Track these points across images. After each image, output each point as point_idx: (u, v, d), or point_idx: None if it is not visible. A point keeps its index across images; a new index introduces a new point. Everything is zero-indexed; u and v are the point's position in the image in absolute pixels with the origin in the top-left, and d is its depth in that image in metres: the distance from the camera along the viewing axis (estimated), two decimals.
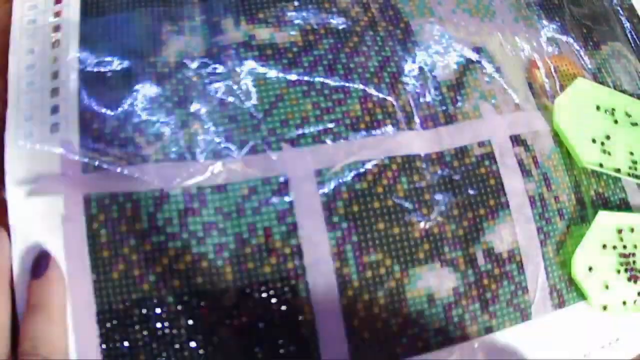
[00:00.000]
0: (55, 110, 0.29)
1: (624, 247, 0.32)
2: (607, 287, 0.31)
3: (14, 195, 0.27)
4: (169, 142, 0.28)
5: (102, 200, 0.27)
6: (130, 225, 0.27)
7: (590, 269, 0.31)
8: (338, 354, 0.27)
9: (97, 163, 0.27)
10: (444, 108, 0.32)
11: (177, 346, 0.26)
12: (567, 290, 0.31)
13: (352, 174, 0.29)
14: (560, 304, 0.31)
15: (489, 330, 0.29)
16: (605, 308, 0.31)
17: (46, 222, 0.27)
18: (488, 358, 0.29)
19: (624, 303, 0.32)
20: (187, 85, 0.30)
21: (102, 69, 0.30)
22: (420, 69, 0.32)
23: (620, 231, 0.33)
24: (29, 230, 0.26)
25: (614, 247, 0.32)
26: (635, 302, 0.32)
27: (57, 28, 0.31)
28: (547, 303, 0.30)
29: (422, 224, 0.29)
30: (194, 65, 0.30)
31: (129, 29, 0.31)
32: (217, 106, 0.30)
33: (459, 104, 0.32)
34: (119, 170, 0.27)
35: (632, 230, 0.33)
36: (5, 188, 0.27)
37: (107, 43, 0.30)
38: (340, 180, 0.29)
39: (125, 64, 0.30)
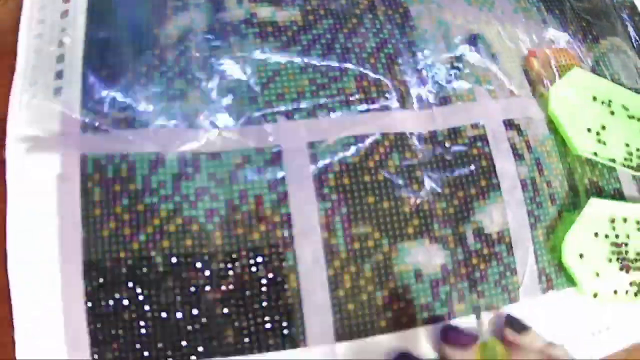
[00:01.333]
0: (59, 75, 0.30)
1: (617, 236, 0.32)
2: (597, 274, 0.31)
3: (14, 152, 0.27)
4: (168, 109, 0.29)
5: (98, 160, 0.28)
6: (125, 186, 0.28)
7: (581, 255, 0.31)
8: (322, 323, 0.27)
9: (96, 124, 0.28)
10: (438, 90, 0.32)
11: (162, 306, 0.27)
12: (557, 275, 0.31)
13: (345, 147, 0.30)
14: (549, 288, 0.31)
15: (476, 309, 0.29)
16: (595, 295, 0.31)
17: (42, 178, 0.27)
18: None
19: (615, 292, 0.31)
20: (189, 57, 0.31)
21: (108, 38, 0.31)
22: (417, 52, 0.33)
23: (613, 220, 0.32)
24: (25, 186, 0.27)
25: (606, 236, 0.32)
26: (627, 292, 0.32)
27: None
28: (536, 286, 0.30)
29: (412, 200, 0.30)
30: (197, 39, 0.31)
31: (136, 2, 0.32)
32: (216, 78, 0.30)
33: (454, 86, 0.33)
34: (117, 132, 0.28)
35: (625, 220, 0.33)
36: (6, 147, 0.28)
37: (113, 14, 0.31)
38: (333, 153, 0.29)
39: (130, 34, 0.31)
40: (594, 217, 0.32)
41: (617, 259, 0.32)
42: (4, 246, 0.26)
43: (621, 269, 0.32)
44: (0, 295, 0.26)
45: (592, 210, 0.32)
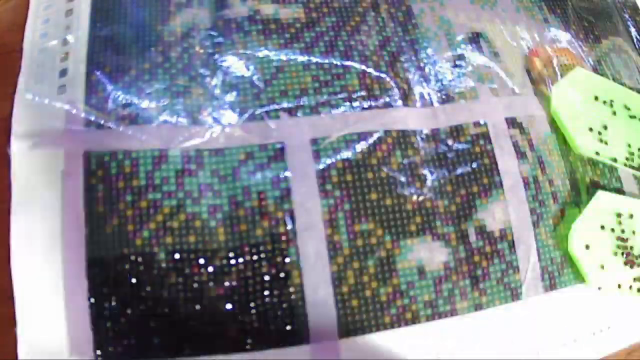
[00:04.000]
0: (63, 73, 0.30)
1: (622, 231, 0.32)
2: (602, 267, 0.31)
3: (17, 148, 0.28)
4: (171, 105, 0.29)
5: (101, 156, 0.28)
6: (128, 182, 0.28)
7: (587, 247, 0.31)
8: (326, 319, 0.27)
9: (100, 121, 0.28)
10: (441, 88, 0.32)
11: (165, 303, 0.27)
12: (559, 273, 0.31)
13: (347, 144, 0.30)
14: (552, 286, 0.31)
15: (478, 307, 0.29)
16: (599, 288, 0.31)
17: (46, 175, 0.27)
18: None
19: (619, 286, 0.31)
20: (192, 54, 0.31)
21: (111, 36, 0.31)
22: (419, 50, 0.33)
23: (619, 215, 0.33)
24: (29, 183, 0.27)
25: (612, 230, 0.32)
26: (630, 287, 0.32)
27: None
28: (538, 284, 0.30)
29: (414, 197, 0.30)
30: (200, 36, 0.31)
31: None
32: (220, 75, 0.30)
33: (456, 85, 0.33)
34: (120, 128, 0.28)
35: (631, 216, 0.33)
36: (10, 143, 0.28)
37: (117, 11, 0.31)
38: (335, 150, 0.29)
39: (134, 31, 0.31)
40: (601, 209, 0.32)
41: (622, 253, 0.32)
42: (7, 244, 0.26)
43: (626, 263, 0.32)
44: (2, 295, 0.26)
45: (599, 203, 0.32)
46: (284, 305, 0.27)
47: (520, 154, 0.32)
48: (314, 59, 0.31)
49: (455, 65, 0.33)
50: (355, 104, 0.31)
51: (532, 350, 0.30)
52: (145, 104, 0.29)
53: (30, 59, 0.30)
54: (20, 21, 0.32)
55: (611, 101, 0.35)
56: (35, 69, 0.30)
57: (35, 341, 0.25)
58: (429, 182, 0.30)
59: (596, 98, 0.35)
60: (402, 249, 0.29)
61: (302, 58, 0.31)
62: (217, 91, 0.30)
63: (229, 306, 0.27)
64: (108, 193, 0.27)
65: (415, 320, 0.28)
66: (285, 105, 0.30)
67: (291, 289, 0.27)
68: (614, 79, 0.37)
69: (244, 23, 0.32)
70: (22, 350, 0.25)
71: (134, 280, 0.27)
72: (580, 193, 0.33)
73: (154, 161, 0.28)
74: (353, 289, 0.28)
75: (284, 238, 0.28)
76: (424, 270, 0.29)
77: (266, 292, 0.27)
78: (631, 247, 0.32)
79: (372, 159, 0.30)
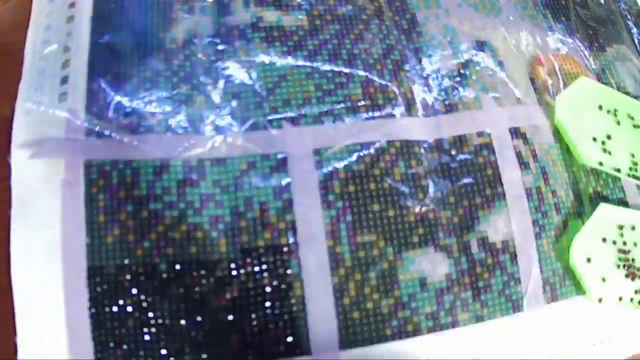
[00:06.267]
0: (64, 80, 0.30)
1: (624, 243, 0.32)
2: (604, 280, 0.31)
3: (17, 157, 0.27)
4: (172, 114, 0.29)
5: (102, 166, 0.28)
6: (129, 192, 0.27)
7: (588, 260, 0.31)
8: (327, 331, 0.27)
9: (101, 130, 0.28)
10: (444, 97, 0.32)
11: (166, 314, 0.26)
12: (561, 284, 0.31)
13: (350, 154, 0.30)
14: (553, 298, 0.31)
15: (480, 318, 0.29)
16: (600, 301, 0.31)
17: (46, 184, 0.27)
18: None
19: (620, 299, 0.31)
20: (194, 62, 0.30)
21: (113, 43, 0.31)
22: (423, 58, 0.33)
23: (621, 227, 0.32)
24: (29, 192, 0.27)
25: (614, 242, 0.32)
26: (631, 299, 0.32)
27: (72, 5, 0.32)
28: (540, 296, 0.30)
29: (417, 208, 0.29)
30: (202, 43, 0.31)
31: (141, 5, 0.31)
32: (222, 83, 0.30)
33: (460, 94, 0.32)
34: (121, 138, 0.28)
35: (633, 228, 0.33)
36: (11, 152, 0.28)
37: (118, 18, 0.31)
38: (338, 160, 0.29)
39: (136, 38, 0.31)
40: (603, 222, 0.32)
41: (624, 266, 0.32)
42: (8, 242, 0.26)
43: (627, 275, 0.32)
44: (2, 295, 0.26)
45: (601, 215, 0.32)
46: (285, 317, 0.27)
47: (524, 165, 0.32)
48: (317, 68, 0.31)
49: (460, 74, 0.33)
50: (359, 113, 0.30)
51: None
52: (146, 112, 0.29)
53: (31, 66, 0.30)
54: (20, 21, 0.32)
55: (615, 110, 0.35)
56: (35, 76, 0.29)
57: (36, 349, 0.25)
58: (431, 193, 0.30)
59: (600, 107, 0.35)
60: (404, 260, 0.29)
61: (305, 66, 0.31)
62: (219, 100, 0.30)
63: (230, 317, 0.27)
64: (109, 203, 0.27)
65: (416, 332, 0.28)
66: (288, 114, 0.30)
67: (292, 301, 0.27)
68: (618, 88, 0.36)
69: (247, 30, 0.32)
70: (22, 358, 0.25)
71: (134, 291, 0.26)
72: (583, 204, 0.33)
73: (155, 171, 0.28)
74: (354, 300, 0.28)
75: (285, 249, 0.28)
76: (425, 282, 0.29)
77: (267, 304, 0.27)
78: (632, 260, 0.32)
79: (375, 170, 0.30)
